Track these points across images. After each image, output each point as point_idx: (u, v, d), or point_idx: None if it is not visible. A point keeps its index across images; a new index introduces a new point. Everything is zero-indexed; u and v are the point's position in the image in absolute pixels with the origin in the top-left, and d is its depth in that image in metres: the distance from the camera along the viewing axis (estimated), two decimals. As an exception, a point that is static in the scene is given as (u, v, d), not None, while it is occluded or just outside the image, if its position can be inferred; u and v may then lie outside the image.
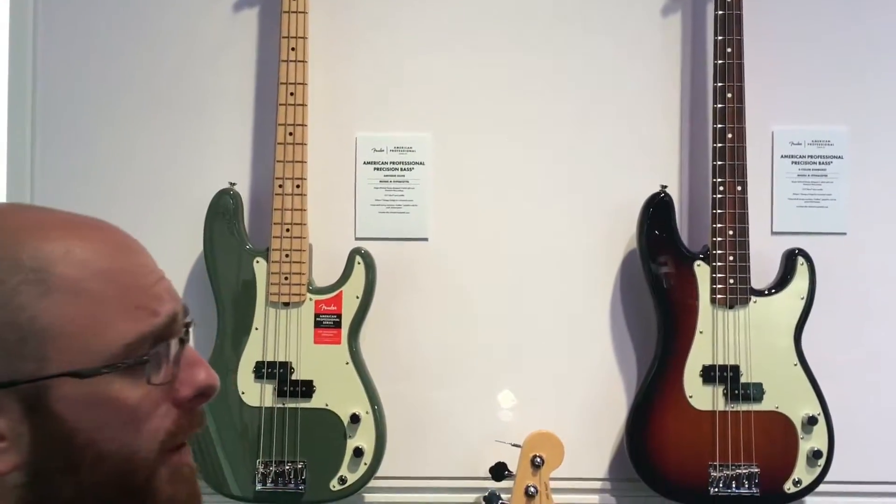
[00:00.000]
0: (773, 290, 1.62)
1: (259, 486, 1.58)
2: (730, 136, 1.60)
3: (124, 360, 0.61)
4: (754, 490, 1.58)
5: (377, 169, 1.74)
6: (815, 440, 1.59)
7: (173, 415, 0.64)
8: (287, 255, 1.61)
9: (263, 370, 1.60)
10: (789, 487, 1.59)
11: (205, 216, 1.63)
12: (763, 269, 1.65)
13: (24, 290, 0.59)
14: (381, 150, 1.74)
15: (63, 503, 0.61)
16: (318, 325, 1.61)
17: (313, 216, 1.66)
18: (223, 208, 1.63)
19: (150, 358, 0.62)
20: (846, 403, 1.66)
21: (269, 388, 1.60)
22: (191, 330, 0.70)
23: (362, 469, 1.59)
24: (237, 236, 1.63)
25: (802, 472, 1.59)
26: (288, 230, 1.61)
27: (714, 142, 1.62)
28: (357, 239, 1.73)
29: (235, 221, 1.63)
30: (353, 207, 1.74)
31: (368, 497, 1.71)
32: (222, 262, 1.62)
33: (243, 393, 1.60)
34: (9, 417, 0.59)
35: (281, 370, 1.60)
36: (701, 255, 1.62)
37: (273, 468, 1.58)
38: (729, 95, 1.61)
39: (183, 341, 0.66)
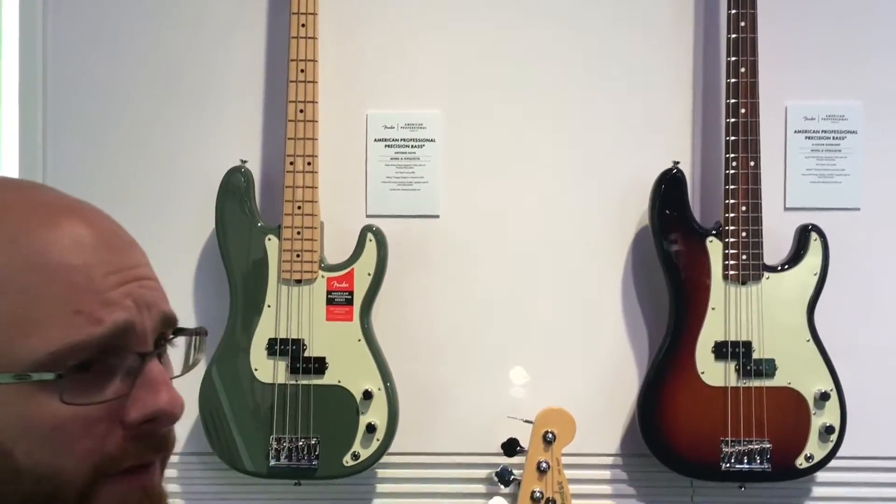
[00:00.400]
0: (786, 266, 1.62)
1: (273, 462, 1.59)
2: (743, 111, 1.59)
3: (44, 370, 0.54)
4: (766, 465, 1.58)
5: (388, 146, 1.73)
6: (828, 416, 1.59)
7: (118, 437, 0.57)
8: (299, 233, 1.61)
9: (276, 347, 1.60)
10: (801, 463, 1.59)
11: (216, 194, 1.63)
12: (776, 245, 1.64)
13: None
14: (392, 127, 1.74)
15: None
16: (330, 302, 1.62)
17: (324, 194, 1.66)
18: (234, 186, 1.63)
19: (67, 374, 0.55)
20: (859, 379, 1.66)
21: (282, 365, 1.61)
22: (174, 343, 0.63)
23: (375, 445, 1.60)
24: (249, 214, 1.63)
25: (814, 448, 1.59)
26: (299, 207, 1.61)
27: (727, 117, 1.60)
28: (368, 216, 1.73)
29: (247, 199, 1.63)
30: (363, 185, 1.74)
31: (381, 472, 1.72)
32: (234, 240, 1.63)
33: (256, 370, 1.60)
34: None
35: (293, 347, 1.60)
36: (713, 232, 1.61)
37: (286, 444, 1.59)
38: (742, 70, 1.59)
39: (144, 357, 0.59)
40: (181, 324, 0.65)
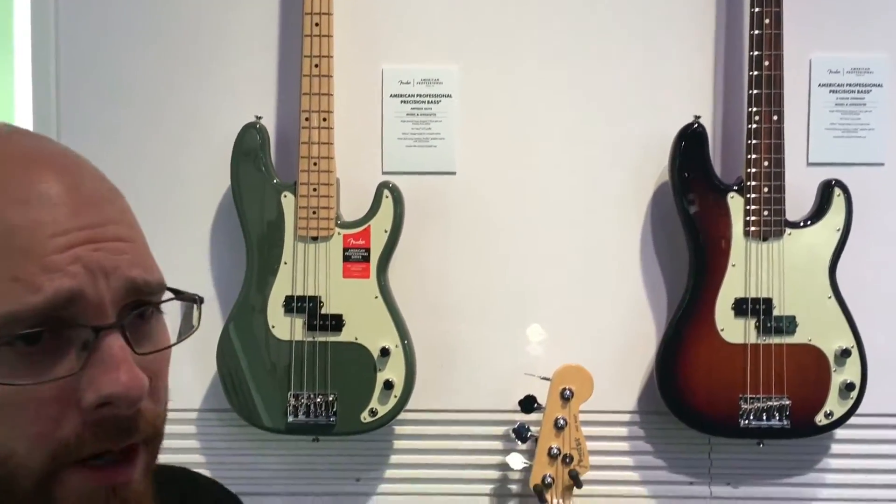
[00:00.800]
0: (809, 222, 1.59)
1: (291, 418, 1.60)
2: (766, 63, 1.56)
3: None
4: (785, 422, 1.57)
5: (404, 102, 1.71)
6: (848, 373, 1.57)
7: (75, 422, 0.51)
8: (315, 189, 1.60)
9: (293, 304, 1.60)
10: (820, 420, 1.58)
11: (231, 151, 1.62)
12: (798, 201, 1.62)
13: None
14: (408, 83, 1.71)
15: None
16: (346, 259, 1.61)
17: (340, 150, 1.64)
18: (249, 143, 1.62)
19: (3, 347, 0.49)
20: (880, 336, 1.64)
21: (299, 322, 1.61)
22: (150, 312, 0.56)
23: (392, 401, 1.61)
24: (264, 171, 1.62)
25: (834, 405, 1.58)
26: (315, 164, 1.59)
27: (750, 70, 1.57)
28: (384, 173, 1.71)
29: (262, 156, 1.62)
30: (379, 141, 1.72)
31: (399, 429, 1.73)
32: (249, 197, 1.62)
33: (273, 327, 1.60)
34: None
35: (310, 304, 1.60)
36: (735, 187, 1.59)
37: (304, 400, 1.60)
38: (766, 21, 1.55)
39: (98, 330, 0.52)
40: (184, 288, 0.59)
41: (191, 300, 0.60)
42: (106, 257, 0.53)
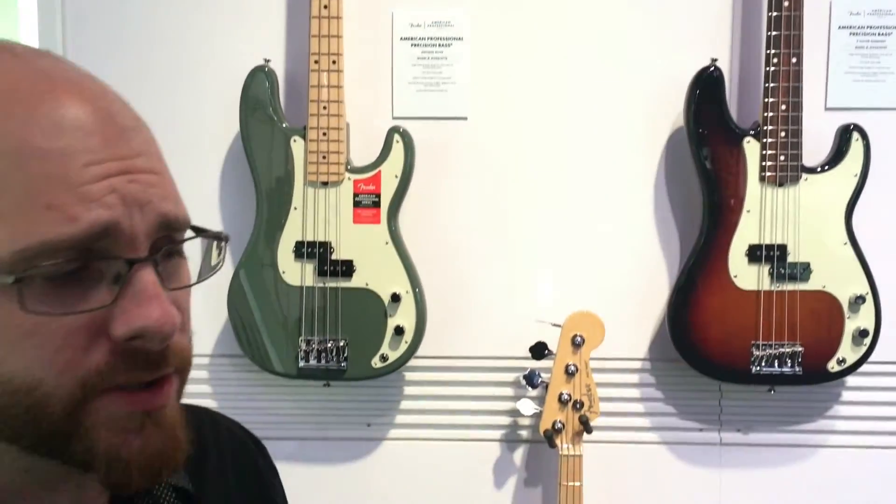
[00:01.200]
0: (825, 168, 1.57)
1: (302, 363, 1.60)
2: (786, 4, 1.52)
3: (8, 271, 0.48)
4: (797, 369, 1.57)
5: (414, 45, 1.68)
6: (862, 319, 1.56)
7: (104, 350, 0.51)
8: (324, 134, 1.58)
9: (304, 250, 1.59)
10: (833, 366, 1.58)
11: (239, 95, 1.60)
12: (815, 146, 1.59)
13: None
14: (419, 26, 1.68)
15: None
16: (356, 204, 1.60)
17: (349, 95, 1.62)
18: (258, 87, 1.60)
19: (28, 278, 0.48)
20: (895, 283, 1.63)
21: (310, 268, 1.60)
22: (180, 248, 0.55)
23: (403, 347, 1.61)
24: (273, 115, 1.60)
25: (847, 352, 1.57)
26: (325, 108, 1.57)
27: (769, 11, 1.53)
28: (394, 118, 1.69)
29: (271, 100, 1.60)
30: (389, 86, 1.69)
31: (409, 376, 1.73)
32: (258, 141, 1.60)
33: (284, 272, 1.60)
34: None
35: (321, 250, 1.59)
36: (751, 132, 1.56)
37: (315, 346, 1.60)
38: (787, -40, 1.51)
39: (132, 263, 0.51)
40: (206, 226, 0.58)
41: (216, 238, 0.59)
42: (140, 189, 0.52)
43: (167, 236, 0.55)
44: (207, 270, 0.60)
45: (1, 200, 0.48)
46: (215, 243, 0.59)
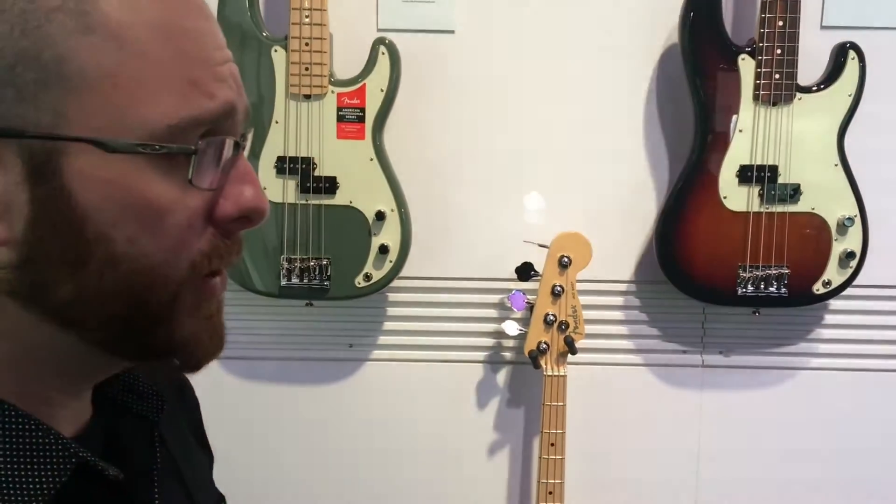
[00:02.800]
0: (820, 87, 1.54)
1: (284, 282, 1.57)
2: (787, -85, 1.47)
3: (165, 143, 0.48)
4: (783, 291, 1.56)
5: (400, -47, 1.61)
6: (850, 242, 1.56)
7: (209, 234, 0.52)
8: (307, 44, 1.51)
9: (285, 165, 1.55)
10: (818, 289, 1.58)
11: (216, 2, 1.52)
12: (810, 66, 1.56)
13: (57, 20, 0.46)
14: (405, -67, 1.60)
15: (57, 304, 0.49)
16: (340, 119, 1.54)
17: (332, 5, 1.55)
18: (236, -6, 1.52)
19: (199, 150, 0.50)
20: (884, 207, 1.62)
21: (292, 184, 1.55)
22: (248, 140, 0.58)
23: (387, 267, 1.58)
24: (252, 23, 1.53)
25: (833, 274, 1.57)
26: (307, 17, 1.50)
27: (769, -78, 1.48)
28: (379, 30, 1.62)
29: (250, 7, 1.53)
30: (374, -5, 1.62)
31: (392, 297, 1.71)
32: (237, 51, 1.53)
33: (265, 188, 1.55)
34: (6, 176, 0.46)
35: (303, 166, 1.55)
36: (747, 49, 1.52)
37: (297, 264, 1.56)
38: None
39: (238, 146, 0.53)
40: None
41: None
42: (238, 77, 0.54)
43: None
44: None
45: (151, 74, 0.48)
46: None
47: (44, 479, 0.50)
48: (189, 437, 0.75)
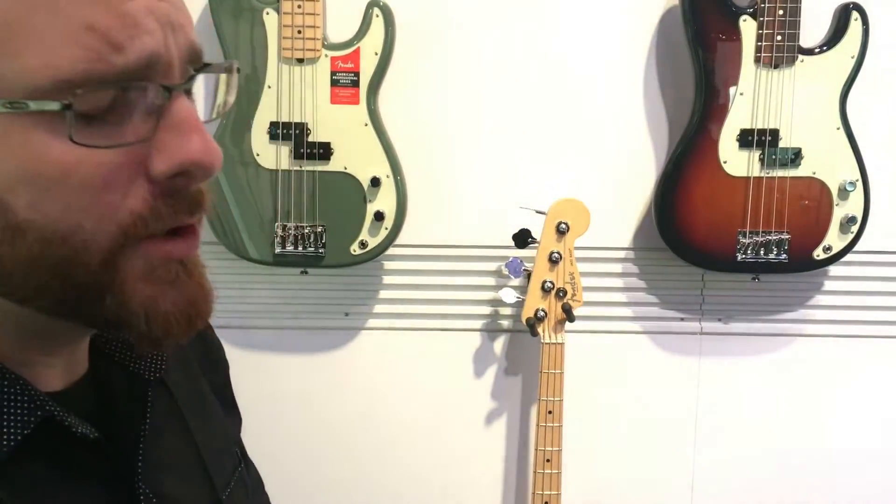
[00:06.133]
0: (823, 49, 1.51)
1: (278, 250, 1.55)
2: None
3: (51, 99, 0.42)
4: (783, 256, 1.55)
5: (394, -88, 1.57)
6: (851, 206, 1.54)
7: (144, 192, 0.47)
8: (299, 7, 1.48)
9: (279, 131, 1.52)
10: (818, 254, 1.56)
11: (207, -37, 1.49)
12: (812, 28, 1.53)
13: None
14: None
15: None
16: (334, 83, 1.52)
17: (325, -34, 1.52)
18: (227, -45, 1.49)
19: (76, 102, 0.43)
20: (886, 171, 1.60)
21: (285, 150, 1.53)
22: (195, 81, 0.49)
23: (383, 234, 1.56)
24: (244, -15, 1.50)
25: (834, 239, 1.55)
26: (299, -22, 1.47)
27: None
28: (373, -8, 1.59)
29: (241, -32, 1.49)
30: (368, -44, 1.58)
31: (388, 265, 1.69)
32: (228, 14, 1.50)
33: (258, 154, 1.52)
34: None
35: (297, 131, 1.52)
36: (748, 10, 1.49)
37: (292, 232, 1.54)
38: None
39: (169, 90, 0.46)
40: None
41: (227, 70, 0.54)
42: (171, 10, 0.47)
43: (191, 65, 0.50)
44: (219, 107, 0.55)
45: (34, 18, 0.42)
46: (225, 77, 0.55)
47: (3, 426, 0.48)
48: (208, 395, 0.73)
